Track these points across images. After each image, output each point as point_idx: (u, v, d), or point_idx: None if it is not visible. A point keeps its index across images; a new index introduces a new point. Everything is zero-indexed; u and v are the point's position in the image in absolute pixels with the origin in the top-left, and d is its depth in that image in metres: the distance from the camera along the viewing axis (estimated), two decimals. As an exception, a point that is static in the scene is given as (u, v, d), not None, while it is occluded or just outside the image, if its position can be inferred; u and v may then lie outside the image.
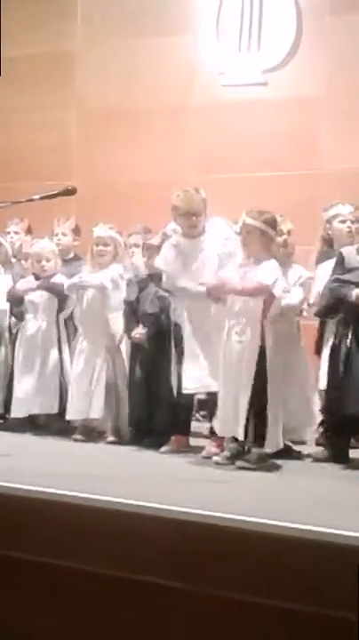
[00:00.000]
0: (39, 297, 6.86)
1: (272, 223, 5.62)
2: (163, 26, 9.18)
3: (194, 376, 5.86)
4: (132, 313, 6.36)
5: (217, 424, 5.58)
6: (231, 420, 5.45)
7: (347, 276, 5.67)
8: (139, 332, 6.25)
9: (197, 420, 6.59)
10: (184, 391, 5.90)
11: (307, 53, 8.73)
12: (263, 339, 5.45)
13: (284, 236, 6.10)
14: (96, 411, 6.43)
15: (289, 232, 6.19)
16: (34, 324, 6.84)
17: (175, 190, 6.14)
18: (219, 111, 8.91)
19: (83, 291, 6.59)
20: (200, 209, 6.00)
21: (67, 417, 6.52)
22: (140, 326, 6.26)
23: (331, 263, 6.02)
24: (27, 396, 6.73)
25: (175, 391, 5.97)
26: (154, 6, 9.23)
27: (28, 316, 6.89)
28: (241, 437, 5.43)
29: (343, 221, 6.37)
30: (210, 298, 5.73)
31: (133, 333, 6.28)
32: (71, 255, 7.31)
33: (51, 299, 6.83)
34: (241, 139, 8.73)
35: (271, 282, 5.48)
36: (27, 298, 6.90)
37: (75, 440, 6.40)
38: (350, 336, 5.60)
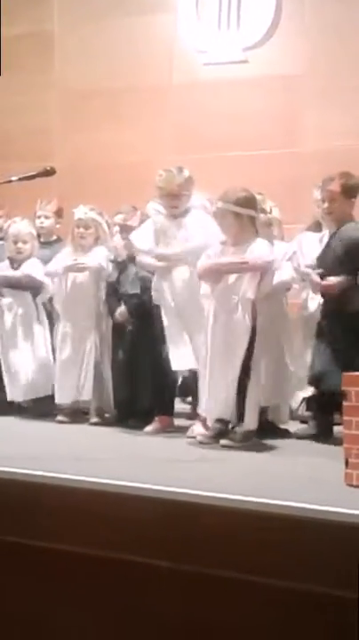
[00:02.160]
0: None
1: (246, 203, 5.53)
2: (142, 4, 9.13)
3: (181, 355, 5.85)
4: (114, 294, 6.35)
5: (205, 406, 5.53)
6: (221, 400, 5.43)
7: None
8: (121, 310, 6.25)
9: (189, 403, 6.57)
10: (174, 368, 5.90)
11: (287, 30, 8.70)
12: (254, 318, 5.44)
13: (268, 215, 6.10)
14: (87, 392, 6.41)
15: (271, 210, 6.19)
16: (11, 310, 6.80)
17: (157, 170, 6.12)
18: (199, 90, 8.88)
19: (72, 273, 6.52)
20: (181, 190, 5.97)
21: (58, 400, 6.47)
22: (123, 306, 6.26)
23: (309, 235, 6.23)
24: (21, 381, 6.70)
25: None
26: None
27: (5, 300, 6.84)
28: (233, 419, 5.42)
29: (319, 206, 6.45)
30: (202, 278, 5.68)
31: (116, 313, 6.28)
32: (53, 238, 7.28)
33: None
34: (222, 117, 8.70)
35: (271, 258, 5.49)
36: None
37: (60, 422, 6.40)
38: (329, 316, 5.64)
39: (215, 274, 5.53)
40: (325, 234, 5.95)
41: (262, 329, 5.47)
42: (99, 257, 6.48)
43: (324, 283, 5.59)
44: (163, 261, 5.95)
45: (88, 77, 9.40)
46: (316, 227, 6.45)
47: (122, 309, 6.27)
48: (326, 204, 5.75)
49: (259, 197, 5.80)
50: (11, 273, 6.82)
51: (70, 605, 4.03)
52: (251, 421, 5.38)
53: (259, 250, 5.48)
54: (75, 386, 6.43)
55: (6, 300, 6.82)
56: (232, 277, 5.49)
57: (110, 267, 6.45)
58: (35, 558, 4.14)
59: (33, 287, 6.75)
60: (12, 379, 6.71)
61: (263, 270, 5.47)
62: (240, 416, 5.37)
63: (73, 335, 6.51)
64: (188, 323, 5.84)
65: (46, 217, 7.28)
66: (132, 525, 3.95)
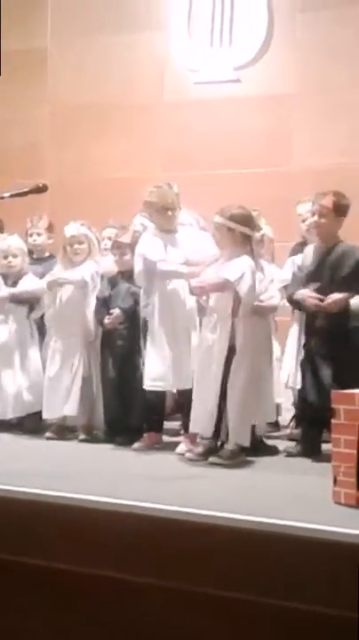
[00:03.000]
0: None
1: (240, 220, 5.57)
2: (134, 22, 9.19)
3: (154, 373, 5.87)
4: (105, 309, 6.34)
5: (191, 421, 5.56)
6: (203, 416, 5.45)
7: (299, 274, 5.79)
8: (117, 314, 6.21)
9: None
10: (145, 387, 5.91)
11: (278, 50, 8.76)
12: (232, 337, 5.45)
13: (262, 232, 6.11)
14: (72, 408, 6.40)
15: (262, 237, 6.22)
16: (4, 327, 6.78)
17: (147, 187, 6.15)
18: (190, 108, 8.92)
19: (59, 288, 6.53)
20: (175, 204, 6.00)
21: (45, 416, 6.47)
22: (117, 309, 6.24)
23: (298, 258, 6.19)
24: (11, 398, 6.67)
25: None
26: (124, 3, 9.22)
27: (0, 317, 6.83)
28: (208, 435, 5.44)
29: (303, 220, 6.56)
30: (192, 295, 5.72)
31: (107, 318, 6.26)
32: (46, 254, 7.28)
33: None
34: (213, 135, 8.75)
35: (234, 278, 5.44)
36: None
37: (48, 438, 6.38)
38: (316, 333, 5.65)
39: (193, 289, 5.62)
40: (310, 250, 5.90)
41: (243, 348, 5.47)
42: (85, 271, 6.50)
43: (328, 301, 5.58)
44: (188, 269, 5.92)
45: (79, 94, 9.44)
46: (301, 247, 6.49)
47: (116, 312, 6.22)
48: (316, 218, 5.78)
49: (254, 214, 5.82)
50: (10, 291, 6.80)
51: (54, 621, 4.02)
52: (238, 439, 5.38)
53: (224, 269, 5.51)
54: (63, 402, 6.42)
55: (1, 317, 6.81)
56: (214, 296, 5.53)
57: (98, 281, 6.46)
58: (19, 574, 4.13)
59: (32, 303, 6.74)
60: (3, 396, 6.69)
61: (220, 289, 5.48)
62: (227, 434, 5.38)
63: (61, 351, 6.51)
64: (176, 341, 5.86)
65: (38, 234, 7.28)
66: (119, 542, 3.95)
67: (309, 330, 5.77)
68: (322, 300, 5.57)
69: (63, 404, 6.41)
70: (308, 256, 5.82)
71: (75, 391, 6.40)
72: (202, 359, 5.53)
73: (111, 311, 6.24)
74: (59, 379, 6.45)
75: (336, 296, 5.54)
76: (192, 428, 5.59)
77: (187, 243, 5.97)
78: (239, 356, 5.43)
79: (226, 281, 5.46)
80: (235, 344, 5.44)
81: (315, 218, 5.80)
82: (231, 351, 5.43)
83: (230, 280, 5.44)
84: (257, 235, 5.83)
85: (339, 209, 5.69)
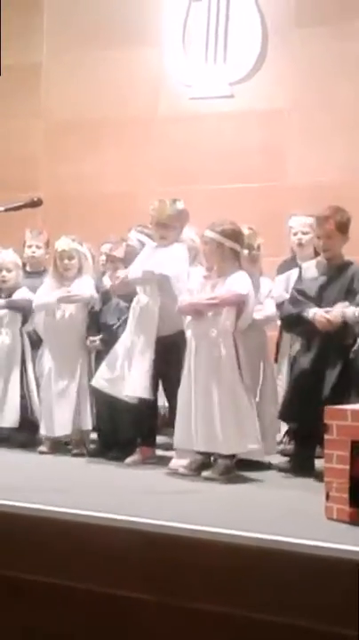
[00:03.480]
0: (2, 311, 6.79)
1: (232, 235, 5.59)
2: (129, 38, 9.20)
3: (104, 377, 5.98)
4: (94, 323, 6.36)
5: (197, 440, 5.47)
6: (207, 433, 5.41)
7: (303, 290, 5.71)
8: (92, 338, 6.30)
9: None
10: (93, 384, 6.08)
11: (273, 66, 8.77)
12: (236, 350, 5.46)
13: (254, 252, 6.10)
14: (86, 422, 6.40)
15: (258, 247, 6.20)
16: None
17: (141, 201, 6.18)
18: (185, 123, 8.92)
19: (63, 305, 6.50)
20: (170, 221, 5.99)
21: (57, 434, 6.42)
22: (97, 338, 6.28)
23: (289, 274, 6.26)
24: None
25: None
26: (120, 18, 9.24)
27: None
28: (224, 452, 5.41)
29: (294, 233, 6.55)
30: (182, 313, 5.71)
31: (88, 342, 6.29)
32: (41, 268, 7.27)
33: (15, 313, 6.79)
34: (207, 151, 8.75)
35: (246, 291, 5.49)
36: None
37: (41, 453, 6.37)
38: (312, 349, 5.62)
39: (194, 310, 5.58)
40: (309, 267, 5.89)
41: (246, 361, 5.49)
42: (90, 287, 6.49)
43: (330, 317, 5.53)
44: (127, 286, 6.03)
45: (74, 108, 9.44)
46: (291, 263, 6.51)
47: (96, 344, 6.30)
48: (322, 242, 5.72)
49: (247, 232, 5.83)
50: (8, 299, 6.80)
51: (51, 636, 4.01)
52: (238, 448, 5.40)
53: (232, 283, 5.52)
54: (69, 417, 6.38)
55: None
56: (211, 312, 5.52)
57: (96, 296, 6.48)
58: (12, 590, 4.12)
59: (27, 312, 6.73)
60: None
61: (235, 304, 5.49)
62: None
63: (66, 366, 6.45)
64: (132, 350, 5.89)
65: (38, 247, 7.28)
66: (112, 557, 3.95)
67: (304, 346, 5.76)
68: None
69: (74, 420, 6.37)
70: (308, 274, 5.80)
71: (86, 406, 6.39)
72: (200, 375, 5.47)
73: (95, 338, 6.31)
74: (64, 395, 6.42)
75: (336, 311, 5.51)
76: (201, 447, 5.50)
77: (167, 258, 5.97)
78: (244, 368, 5.46)
79: (240, 295, 5.48)
80: (240, 357, 5.45)
81: (321, 242, 5.73)
82: (237, 365, 5.44)
83: (243, 294, 5.48)
84: (245, 252, 5.82)
85: (342, 227, 5.65)
